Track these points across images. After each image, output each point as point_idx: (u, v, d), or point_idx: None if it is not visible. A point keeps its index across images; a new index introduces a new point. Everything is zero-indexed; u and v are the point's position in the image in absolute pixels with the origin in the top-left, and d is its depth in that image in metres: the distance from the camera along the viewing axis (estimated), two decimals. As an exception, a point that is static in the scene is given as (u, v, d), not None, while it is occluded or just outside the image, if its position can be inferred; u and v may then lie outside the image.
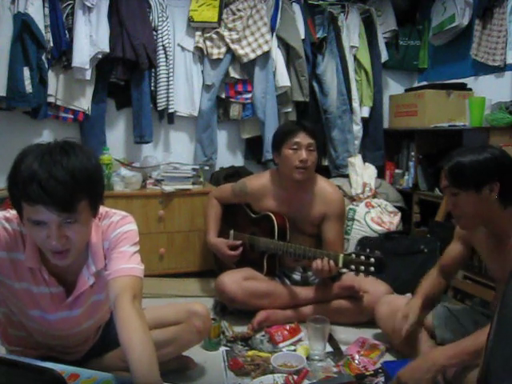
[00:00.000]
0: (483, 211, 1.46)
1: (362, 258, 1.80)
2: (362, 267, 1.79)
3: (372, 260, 1.77)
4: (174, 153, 3.13)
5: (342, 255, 1.89)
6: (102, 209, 1.27)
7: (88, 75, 2.70)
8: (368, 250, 1.83)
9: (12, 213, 1.23)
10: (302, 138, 2.14)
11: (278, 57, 3.05)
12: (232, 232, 2.38)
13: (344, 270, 2.02)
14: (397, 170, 3.27)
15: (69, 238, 1.13)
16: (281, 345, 1.89)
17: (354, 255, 1.84)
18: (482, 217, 1.48)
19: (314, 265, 1.95)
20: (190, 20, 2.97)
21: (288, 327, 1.96)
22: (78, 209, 1.09)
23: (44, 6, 2.58)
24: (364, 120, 3.30)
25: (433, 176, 2.83)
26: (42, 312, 1.29)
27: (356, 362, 1.74)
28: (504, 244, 1.48)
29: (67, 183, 1.05)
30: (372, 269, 1.77)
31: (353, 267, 1.82)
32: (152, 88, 2.93)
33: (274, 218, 2.20)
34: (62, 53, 2.67)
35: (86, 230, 1.18)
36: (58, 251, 1.14)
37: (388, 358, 1.82)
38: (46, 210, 1.06)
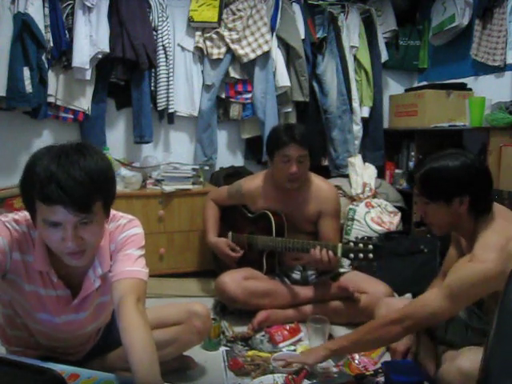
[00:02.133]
0: (453, 221, 1.45)
1: (360, 245, 1.81)
2: (361, 255, 1.81)
3: (370, 247, 1.79)
4: (174, 153, 3.13)
5: (340, 244, 1.91)
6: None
7: (88, 75, 2.70)
8: (365, 238, 1.84)
9: (20, 215, 1.24)
10: (293, 151, 2.10)
11: (278, 57, 3.05)
12: (230, 233, 2.39)
13: (344, 266, 2.02)
14: (397, 170, 3.27)
15: (84, 239, 1.14)
16: (281, 345, 1.89)
17: (352, 244, 1.85)
18: (453, 225, 1.48)
19: (313, 253, 1.95)
20: (190, 20, 2.97)
21: (288, 327, 1.96)
22: (93, 209, 1.11)
23: (44, 6, 2.58)
24: (364, 120, 3.30)
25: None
26: (49, 315, 1.29)
27: (356, 361, 1.74)
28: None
29: (85, 183, 1.07)
30: (371, 255, 1.79)
31: (352, 256, 1.84)
32: (152, 88, 2.93)
33: (270, 215, 2.21)
34: (62, 53, 2.67)
35: (100, 230, 1.19)
36: (74, 252, 1.15)
37: (388, 357, 1.81)
38: (64, 209, 1.07)
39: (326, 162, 3.28)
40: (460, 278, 1.35)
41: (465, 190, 1.40)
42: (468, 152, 1.49)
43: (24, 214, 1.22)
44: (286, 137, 2.12)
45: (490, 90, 2.81)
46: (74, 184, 1.05)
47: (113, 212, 1.31)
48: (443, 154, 1.47)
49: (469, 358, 1.30)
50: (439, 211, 1.44)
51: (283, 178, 2.16)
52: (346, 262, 2.45)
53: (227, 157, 3.27)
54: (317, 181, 2.28)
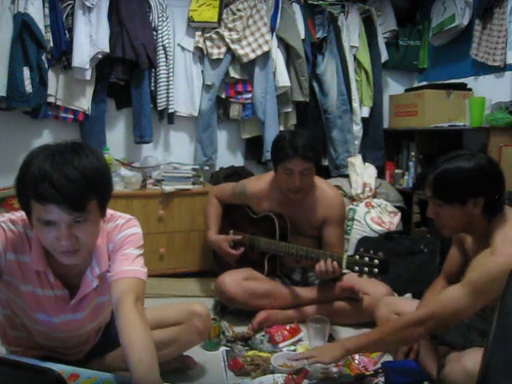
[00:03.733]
0: (466, 222, 1.44)
1: (366, 259, 1.78)
2: (366, 269, 1.77)
3: (376, 261, 1.75)
4: (174, 153, 3.14)
5: (345, 256, 1.87)
6: (107, 211, 1.27)
7: (88, 75, 2.70)
8: (372, 252, 1.80)
9: (17, 215, 1.24)
10: (296, 165, 2.03)
11: (278, 57, 3.05)
12: (232, 232, 2.38)
13: (347, 271, 2.01)
14: (397, 170, 3.27)
15: (78, 238, 1.14)
16: (281, 345, 1.89)
17: (357, 257, 1.81)
18: (465, 227, 1.47)
19: (317, 267, 1.93)
20: (190, 20, 2.97)
21: (288, 327, 1.96)
22: (88, 208, 1.11)
23: (44, 6, 2.58)
24: (364, 120, 3.30)
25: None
26: (46, 315, 1.29)
27: (356, 361, 1.74)
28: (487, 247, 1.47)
29: (79, 182, 1.07)
30: (376, 270, 1.75)
31: (356, 269, 1.80)
32: (152, 88, 2.93)
33: (274, 218, 2.19)
34: (62, 53, 2.67)
35: (95, 229, 1.19)
36: (68, 251, 1.15)
37: (389, 357, 1.81)
38: (58, 208, 1.07)
39: (326, 162, 3.28)
40: (484, 273, 1.32)
41: (479, 192, 1.39)
42: (480, 153, 1.47)
43: (21, 214, 1.22)
44: (289, 149, 2.03)
45: (490, 90, 2.81)
46: (68, 183, 1.05)
47: (111, 212, 1.31)
48: (456, 155, 1.44)
49: (473, 358, 1.30)
50: (453, 213, 1.42)
51: (286, 189, 2.13)
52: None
53: (227, 157, 3.27)
54: (323, 186, 2.24)
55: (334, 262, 1.89)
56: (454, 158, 1.43)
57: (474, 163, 1.39)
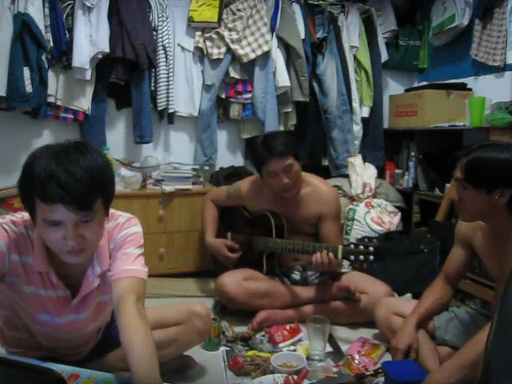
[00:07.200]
0: (488, 211, 1.44)
1: (361, 247, 1.82)
2: (362, 257, 1.81)
3: (371, 249, 1.80)
4: (174, 153, 3.14)
5: (341, 246, 1.90)
6: None
7: (88, 75, 2.70)
8: (366, 240, 1.83)
9: (18, 216, 1.24)
10: (276, 166, 2.07)
11: (278, 57, 3.05)
12: (229, 234, 2.39)
13: (344, 266, 2.01)
14: (397, 170, 3.27)
15: (84, 237, 1.13)
16: (281, 345, 1.89)
17: (352, 246, 1.86)
18: (485, 215, 1.47)
19: (314, 259, 1.94)
20: (190, 20, 2.97)
21: (288, 327, 1.96)
22: (94, 207, 1.11)
23: (44, 6, 2.58)
24: (364, 120, 3.30)
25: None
26: (49, 316, 1.29)
27: (356, 362, 1.74)
28: (504, 244, 1.47)
29: (86, 181, 1.07)
30: (371, 257, 1.79)
31: (352, 258, 1.84)
32: (152, 88, 2.93)
33: (270, 216, 2.20)
34: (62, 53, 2.67)
35: (100, 229, 1.19)
36: (74, 250, 1.14)
37: (389, 357, 1.81)
38: (65, 208, 1.06)
39: (325, 162, 3.28)
40: None
41: (509, 183, 1.39)
42: None
43: (21, 215, 1.22)
44: (265, 152, 2.08)
45: (490, 90, 2.81)
46: (75, 182, 1.05)
47: (111, 211, 1.31)
48: (492, 144, 1.45)
49: None
50: (477, 198, 1.42)
51: (277, 190, 2.15)
52: (346, 262, 2.45)
53: (227, 157, 3.27)
54: (316, 182, 2.26)
55: (330, 253, 1.91)
56: (488, 145, 1.44)
57: (509, 154, 1.39)
